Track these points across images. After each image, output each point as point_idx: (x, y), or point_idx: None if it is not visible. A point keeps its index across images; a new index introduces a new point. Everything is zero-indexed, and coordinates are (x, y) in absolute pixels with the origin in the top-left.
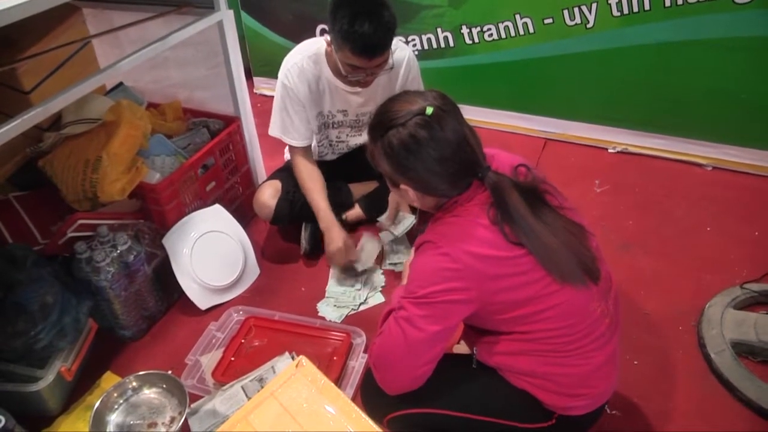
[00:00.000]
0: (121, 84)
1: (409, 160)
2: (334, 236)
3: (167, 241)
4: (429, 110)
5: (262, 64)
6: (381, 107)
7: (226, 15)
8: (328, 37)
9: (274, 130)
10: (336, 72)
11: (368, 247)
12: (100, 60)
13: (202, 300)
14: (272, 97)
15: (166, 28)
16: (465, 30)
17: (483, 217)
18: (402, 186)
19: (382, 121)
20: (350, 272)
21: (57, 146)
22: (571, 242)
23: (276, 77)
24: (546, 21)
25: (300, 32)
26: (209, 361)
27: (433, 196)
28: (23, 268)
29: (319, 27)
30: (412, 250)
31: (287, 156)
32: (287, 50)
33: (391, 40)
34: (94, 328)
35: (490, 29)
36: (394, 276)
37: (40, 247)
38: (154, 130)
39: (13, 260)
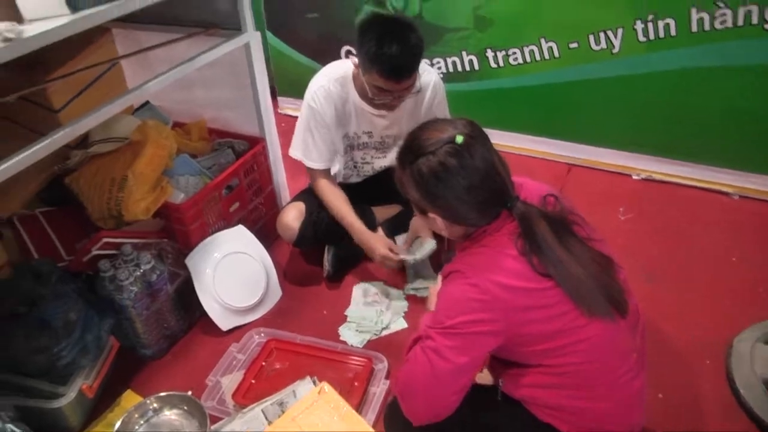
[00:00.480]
0: (147, 103)
1: (439, 188)
2: (374, 245)
3: (190, 261)
4: (459, 139)
5: (287, 84)
6: (411, 134)
7: (253, 37)
8: (355, 60)
9: (295, 152)
10: (362, 94)
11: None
12: (128, 79)
13: (223, 321)
14: (297, 117)
15: (193, 48)
16: (490, 53)
17: (511, 248)
18: (430, 214)
19: (411, 149)
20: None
21: (84, 164)
22: (598, 275)
23: (301, 97)
24: (571, 45)
25: (325, 53)
26: (230, 382)
27: (461, 225)
28: (48, 284)
29: (344, 48)
30: (439, 279)
31: None
32: (312, 71)
33: (418, 63)
34: (116, 346)
35: (515, 53)
36: (416, 301)
37: (65, 264)
38: (180, 150)
39: (39, 275)
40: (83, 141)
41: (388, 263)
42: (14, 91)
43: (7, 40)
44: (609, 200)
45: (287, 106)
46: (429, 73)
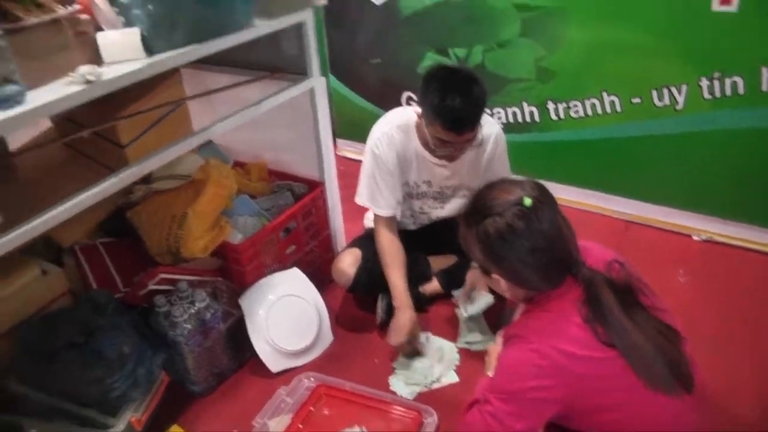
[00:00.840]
0: (209, 141)
1: (504, 250)
2: (403, 316)
3: (244, 301)
4: (527, 201)
5: (347, 126)
6: (477, 194)
7: (318, 82)
8: (418, 109)
9: (361, 198)
10: (424, 143)
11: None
12: (193, 117)
13: (273, 363)
14: (355, 160)
15: (258, 90)
16: (551, 105)
17: (575, 315)
18: (494, 275)
19: (478, 208)
20: (409, 354)
21: (146, 199)
22: (664, 347)
23: (361, 140)
24: (634, 100)
25: (386, 98)
26: (277, 426)
27: (525, 288)
28: (105, 315)
29: (405, 94)
30: (498, 340)
31: (367, 223)
32: (372, 114)
33: (481, 116)
34: (166, 380)
35: (576, 106)
36: (468, 355)
37: (121, 295)
38: (239, 190)
39: (96, 306)
40: (146, 176)
41: (394, 337)
42: (87, 125)
43: (88, 82)
44: (668, 261)
45: (346, 148)
46: (491, 125)
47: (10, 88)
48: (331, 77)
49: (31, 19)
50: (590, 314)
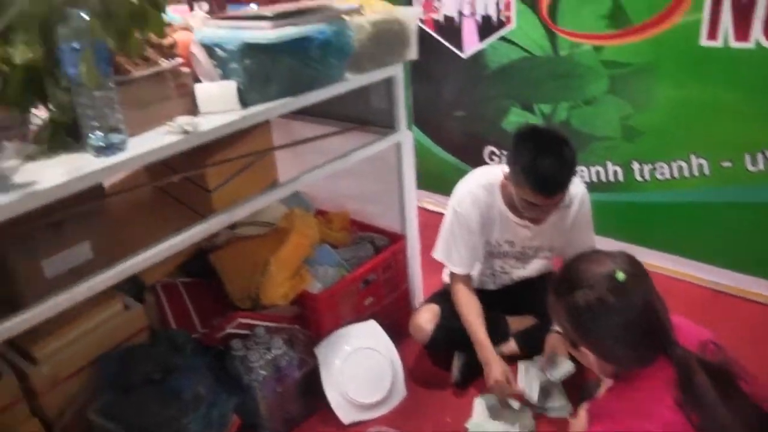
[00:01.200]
0: None
1: (594, 324)
2: (494, 370)
3: (320, 351)
4: (620, 276)
5: (428, 178)
6: (568, 264)
7: (405, 136)
8: (505, 168)
9: (438, 253)
10: (509, 203)
11: (530, 375)
12: (279, 163)
13: (345, 414)
14: (434, 212)
15: (345, 141)
16: (636, 165)
17: (667, 397)
18: (582, 348)
19: (568, 279)
20: (508, 408)
21: (229, 244)
22: None
23: (440, 192)
24: (724, 164)
25: (468, 152)
26: None
27: (613, 364)
28: (182, 354)
29: (487, 148)
30: (582, 413)
31: (446, 278)
32: (454, 167)
33: (571, 179)
34: (237, 423)
35: (662, 167)
36: (545, 421)
37: (198, 335)
38: (321, 239)
39: (174, 345)
40: None
41: (498, 392)
42: (177, 168)
43: (185, 132)
44: (760, 336)
45: (426, 199)
46: (576, 185)
47: (116, 137)
48: (414, 128)
49: (138, 72)
50: (683, 398)
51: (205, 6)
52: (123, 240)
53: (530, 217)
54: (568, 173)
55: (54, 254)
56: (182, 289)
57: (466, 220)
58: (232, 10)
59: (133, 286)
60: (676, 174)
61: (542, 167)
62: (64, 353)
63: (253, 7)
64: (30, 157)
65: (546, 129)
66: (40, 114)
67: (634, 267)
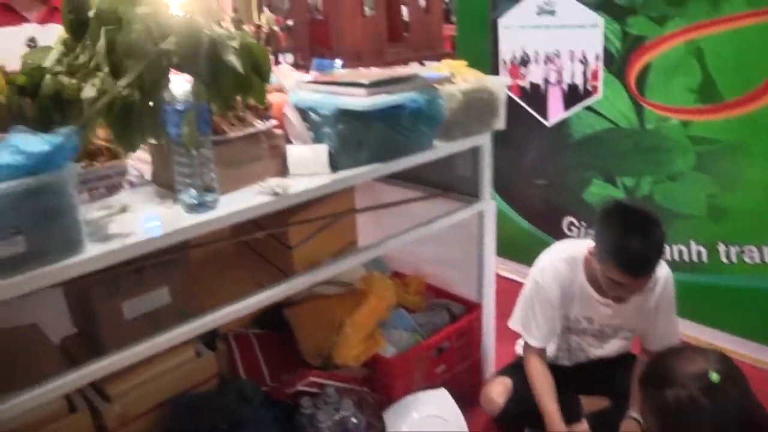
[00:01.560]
0: None
1: (684, 425)
2: None
3: (388, 416)
4: (714, 377)
5: (504, 244)
6: (658, 359)
7: (488, 205)
8: (590, 243)
9: (515, 323)
10: (591, 279)
11: None
12: (360, 223)
13: None
14: (508, 278)
15: (426, 206)
16: (722, 247)
17: None
18: None
19: (658, 375)
20: None
21: (305, 300)
22: None
23: (517, 260)
24: None
25: (547, 221)
26: None
27: None
28: (251, 406)
29: (567, 219)
30: None
31: (519, 350)
32: (532, 235)
33: (659, 260)
34: None
35: (752, 251)
36: None
37: (267, 388)
38: (396, 302)
39: (243, 395)
40: None
41: None
42: (260, 224)
43: (275, 194)
44: None
45: (501, 266)
46: (660, 266)
47: (210, 196)
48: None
49: (234, 133)
50: None
51: (290, 57)
52: (201, 288)
53: (613, 295)
54: (657, 254)
55: (134, 297)
56: (254, 340)
57: (546, 293)
58: (317, 66)
59: (206, 333)
60: (767, 258)
61: (630, 247)
62: (136, 393)
63: (338, 63)
64: (124, 208)
65: (635, 207)
66: (137, 165)
67: (729, 367)
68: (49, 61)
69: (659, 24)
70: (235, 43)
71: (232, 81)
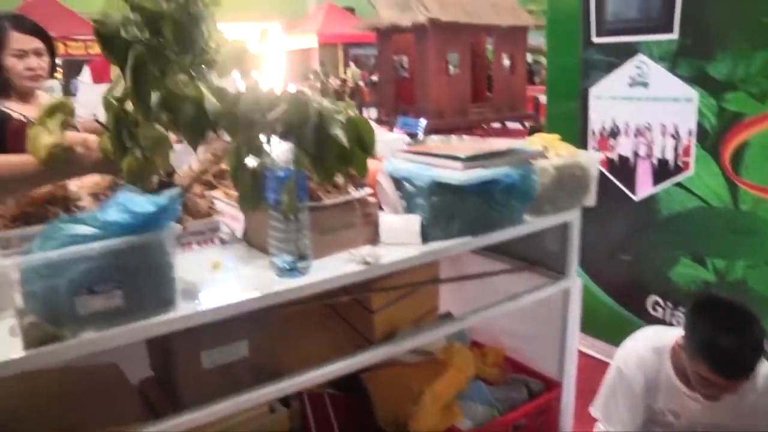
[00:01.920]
0: (449, 314)
1: None
2: None
3: None
4: None
5: (586, 320)
6: None
7: (574, 283)
8: (679, 332)
9: (597, 411)
10: (679, 371)
11: None
12: (442, 290)
13: None
14: (588, 354)
15: (510, 278)
16: None
17: None
18: None
19: None
20: None
21: (384, 366)
22: None
23: (597, 336)
24: None
25: (630, 298)
26: None
27: None
28: None
29: (651, 298)
30: None
31: None
32: (614, 312)
33: (758, 362)
34: None
35: None
36: None
37: None
38: (474, 373)
39: None
40: None
41: None
42: (346, 291)
43: (366, 263)
44: None
45: (581, 341)
46: (762, 364)
47: (302, 262)
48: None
49: (330, 200)
50: None
51: (374, 112)
52: (279, 345)
53: (704, 393)
54: (754, 356)
55: (213, 347)
56: (328, 401)
57: (630, 382)
58: (402, 124)
59: None
60: None
61: (723, 346)
62: None
63: (423, 122)
64: (216, 265)
65: (730, 300)
66: (229, 222)
67: None
68: None
69: (760, 101)
70: (341, 117)
71: (336, 153)
